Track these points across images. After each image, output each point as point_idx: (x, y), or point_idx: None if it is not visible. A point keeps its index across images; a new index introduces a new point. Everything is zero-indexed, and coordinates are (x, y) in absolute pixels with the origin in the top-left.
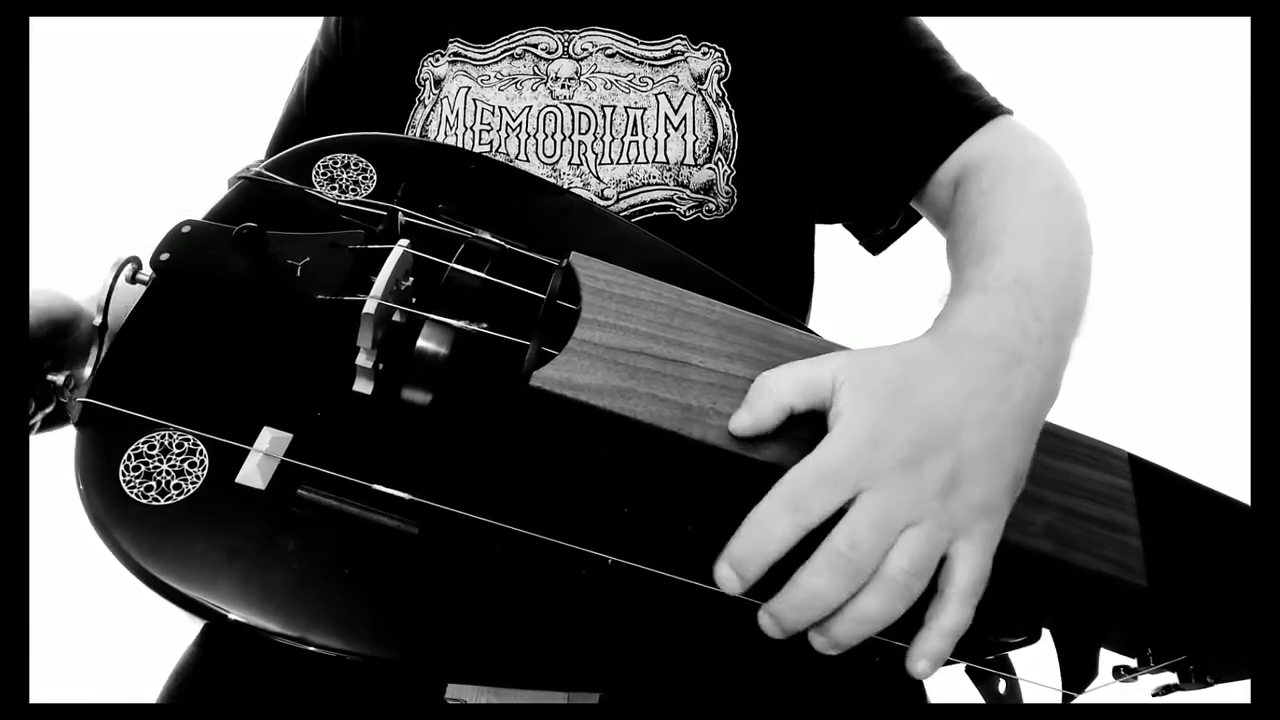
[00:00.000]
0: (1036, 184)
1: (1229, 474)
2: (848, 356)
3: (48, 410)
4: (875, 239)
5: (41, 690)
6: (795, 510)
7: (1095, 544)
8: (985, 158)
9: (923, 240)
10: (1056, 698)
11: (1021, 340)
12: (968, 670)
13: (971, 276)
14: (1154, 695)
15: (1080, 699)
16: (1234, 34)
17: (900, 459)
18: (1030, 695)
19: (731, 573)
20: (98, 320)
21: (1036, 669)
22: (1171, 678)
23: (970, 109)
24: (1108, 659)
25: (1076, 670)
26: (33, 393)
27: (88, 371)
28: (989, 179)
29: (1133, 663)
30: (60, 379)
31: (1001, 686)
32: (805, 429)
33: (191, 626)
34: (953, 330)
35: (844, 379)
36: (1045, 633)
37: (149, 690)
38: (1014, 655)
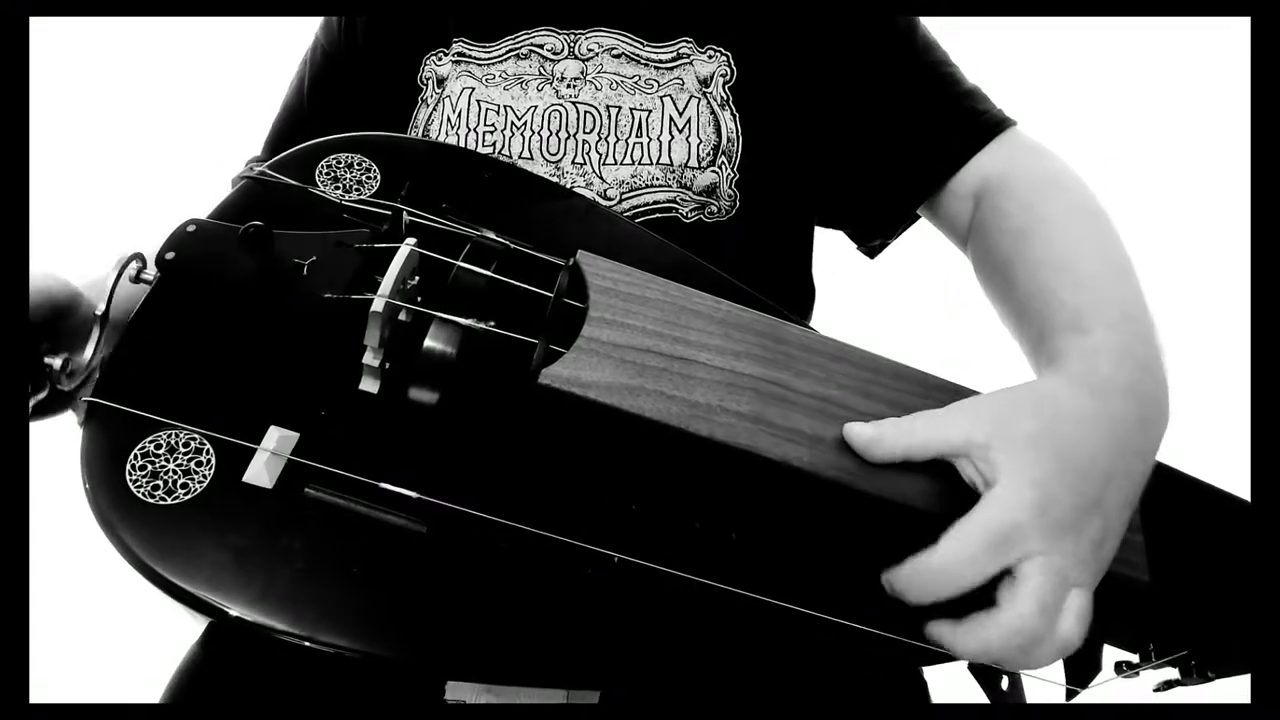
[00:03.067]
0: (1077, 203)
1: (1229, 471)
2: (974, 413)
3: (41, 396)
4: (872, 246)
5: (42, 690)
6: (962, 573)
7: None
8: (1006, 171)
9: (921, 243)
10: (1060, 693)
11: (1156, 389)
12: (970, 667)
13: (1079, 310)
14: (1155, 690)
15: (1083, 695)
16: (1234, 34)
17: (1068, 524)
18: (1033, 690)
19: (901, 584)
20: (100, 309)
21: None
22: (1173, 673)
23: (977, 124)
24: (1110, 654)
25: (1080, 666)
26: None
27: (86, 357)
28: (1024, 194)
29: (1135, 658)
30: (57, 362)
31: (1005, 683)
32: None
33: (195, 626)
34: (1098, 379)
35: (986, 437)
36: None
37: (151, 690)
38: None
